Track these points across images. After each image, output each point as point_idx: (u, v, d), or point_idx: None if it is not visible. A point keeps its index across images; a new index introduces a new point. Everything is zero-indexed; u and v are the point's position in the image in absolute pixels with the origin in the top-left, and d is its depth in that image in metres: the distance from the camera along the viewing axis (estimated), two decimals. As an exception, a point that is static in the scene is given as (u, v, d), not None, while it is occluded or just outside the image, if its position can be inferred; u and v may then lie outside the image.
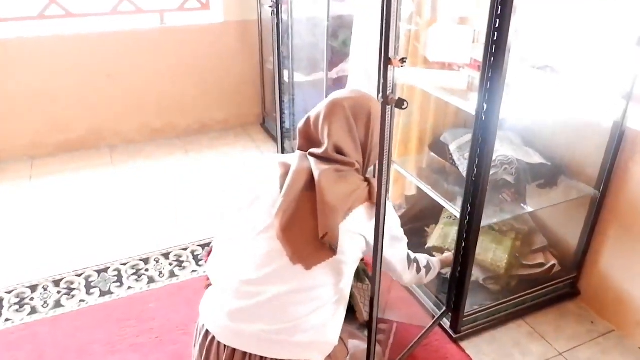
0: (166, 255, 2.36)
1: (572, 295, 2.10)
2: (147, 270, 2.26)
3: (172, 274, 2.24)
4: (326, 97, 2.49)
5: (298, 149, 1.46)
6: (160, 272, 2.25)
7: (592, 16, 1.66)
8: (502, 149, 1.95)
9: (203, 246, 2.43)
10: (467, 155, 1.99)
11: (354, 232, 1.34)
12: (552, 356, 1.86)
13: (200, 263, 2.32)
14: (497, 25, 1.39)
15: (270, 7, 2.13)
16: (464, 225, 1.71)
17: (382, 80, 1.13)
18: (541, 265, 2.03)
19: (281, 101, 2.41)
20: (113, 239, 2.48)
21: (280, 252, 1.30)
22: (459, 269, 1.78)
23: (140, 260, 2.33)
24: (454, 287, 1.82)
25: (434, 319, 1.86)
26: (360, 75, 2.33)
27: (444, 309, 1.88)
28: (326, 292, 1.33)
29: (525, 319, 2.01)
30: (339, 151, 1.38)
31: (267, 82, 3.50)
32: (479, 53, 1.94)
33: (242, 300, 1.32)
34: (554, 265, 2.04)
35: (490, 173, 1.87)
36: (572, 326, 1.98)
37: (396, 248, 1.51)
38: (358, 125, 1.40)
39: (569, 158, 1.97)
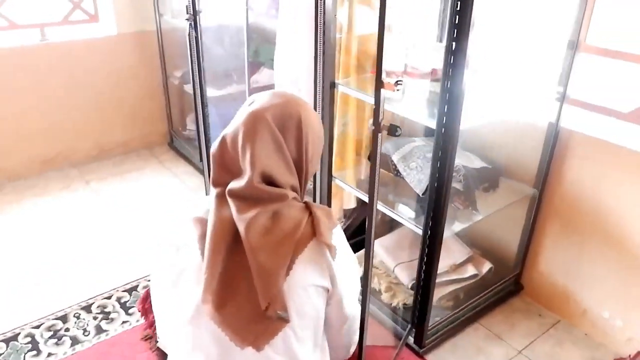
0: (87, 308, 2.05)
1: (516, 291, 2.16)
2: (67, 330, 1.94)
3: (100, 330, 1.95)
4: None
5: (213, 184, 1.12)
6: (85, 330, 1.94)
7: (528, 21, 1.69)
8: (445, 156, 1.95)
9: (130, 291, 2.15)
10: (412, 164, 1.96)
11: (306, 286, 1.08)
12: (513, 356, 1.89)
13: (130, 311, 2.04)
14: (455, 36, 1.35)
15: (187, 19, 1.92)
16: (426, 240, 1.66)
17: (374, 106, 1.02)
18: (475, 276, 2.05)
19: (205, 121, 2.19)
20: (17, 300, 2.10)
21: (221, 339, 1.05)
22: (422, 284, 1.73)
23: (57, 319, 1.99)
24: (418, 302, 1.77)
25: (402, 338, 1.80)
26: (288, 85, 2.20)
27: (409, 325, 1.83)
28: None
29: (479, 322, 2.03)
30: (268, 180, 1.08)
31: (172, 97, 3.23)
32: (415, 61, 1.92)
33: None
34: (491, 268, 2.08)
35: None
36: (523, 322, 2.03)
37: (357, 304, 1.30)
38: (287, 139, 1.09)
39: (507, 159, 2.02)
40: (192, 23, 1.92)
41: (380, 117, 1.03)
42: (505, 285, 2.12)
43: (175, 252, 1.13)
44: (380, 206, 1.91)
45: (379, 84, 1.02)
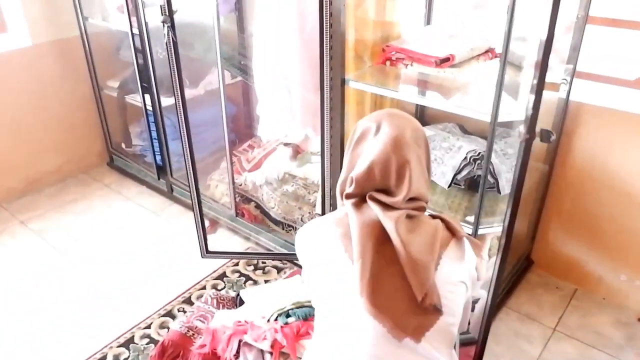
0: (82, 376, 1.72)
1: (528, 267, 2.17)
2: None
3: (107, 400, 1.64)
4: (225, 116, 2.11)
5: (347, 197, 1.15)
6: (89, 404, 1.63)
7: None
8: (458, 142, 1.87)
9: (127, 344, 1.84)
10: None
11: (453, 283, 1.10)
12: (550, 334, 1.88)
13: (137, 369, 1.75)
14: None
15: (163, 21, 1.62)
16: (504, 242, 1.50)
17: (530, 112, 0.88)
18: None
19: (189, 139, 1.85)
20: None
21: (378, 333, 1.03)
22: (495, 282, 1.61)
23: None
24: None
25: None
26: (279, 91, 1.97)
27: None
28: None
29: (507, 305, 2.00)
30: (414, 198, 1.13)
31: (109, 111, 2.82)
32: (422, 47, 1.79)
33: None
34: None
35: (465, 172, 1.79)
36: (545, 297, 2.04)
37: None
38: (423, 155, 1.16)
39: (515, 139, 1.98)
40: (170, 24, 1.62)
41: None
42: (520, 264, 2.12)
43: (315, 256, 1.15)
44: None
45: (540, 85, 0.88)
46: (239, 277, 2.16)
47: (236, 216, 2.37)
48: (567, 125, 1.88)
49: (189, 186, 1.97)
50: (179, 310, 1.98)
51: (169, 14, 1.64)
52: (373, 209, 1.09)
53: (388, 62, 1.80)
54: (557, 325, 1.92)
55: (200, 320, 1.73)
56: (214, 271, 2.19)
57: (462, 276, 1.11)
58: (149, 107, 2.47)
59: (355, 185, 1.12)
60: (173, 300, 2.04)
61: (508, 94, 1.45)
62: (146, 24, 2.23)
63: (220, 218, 2.45)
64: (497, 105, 1.35)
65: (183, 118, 1.82)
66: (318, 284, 1.14)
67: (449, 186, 1.78)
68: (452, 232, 1.13)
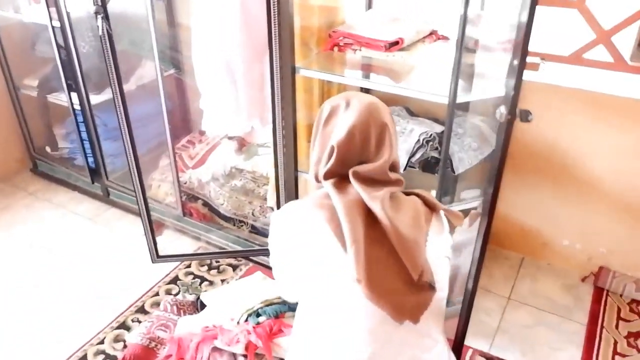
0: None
1: (477, 240, 2.25)
2: None
3: None
4: (165, 111, 2.01)
5: (325, 177, 1.11)
6: None
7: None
8: (409, 125, 1.88)
9: (80, 365, 1.71)
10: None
11: (439, 257, 1.12)
12: (505, 304, 1.97)
13: (95, 390, 1.63)
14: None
15: (96, 12, 1.47)
16: (485, 220, 1.54)
17: (514, 92, 0.88)
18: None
19: (131, 139, 1.72)
20: None
21: (378, 318, 1.03)
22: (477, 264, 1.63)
23: None
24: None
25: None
26: (219, 72, 1.87)
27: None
28: (433, 343, 1.11)
29: (462, 280, 2.07)
30: (392, 168, 1.14)
31: (28, 113, 2.58)
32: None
33: None
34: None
35: (419, 155, 1.81)
36: (497, 268, 2.13)
37: None
38: (393, 126, 1.16)
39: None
40: (104, 15, 1.48)
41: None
42: (471, 238, 2.19)
43: (302, 243, 1.11)
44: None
45: (522, 65, 0.88)
46: (193, 279, 2.07)
47: (184, 216, 2.26)
48: (509, 102, 1.96)
49: (134, 189, 1.86)
50: (133, 321, 1.87)
51: (101, 3, 1.51)
52: (356, 189, 1.07)
53: (336, 48, 1.77)
54: (510, 294, 2.01)
55: (162, 330, 1.64)
56: (166, 275, 2.09)
57: (446, 250, 1.14)
58: (77, 106, 2.29)
59: (336, 154, 1.08)
60: (125, 311, 1.91)
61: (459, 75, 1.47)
62: (68, 14, 2.05)
63: (166, 219, 2.32)
64: (455, 88, 1.36)
65: (123, 115, 1.69)
66: (302, 270, 1.11)
67: (405, 169, 1.80)
68: (430, 206, 1.14)
